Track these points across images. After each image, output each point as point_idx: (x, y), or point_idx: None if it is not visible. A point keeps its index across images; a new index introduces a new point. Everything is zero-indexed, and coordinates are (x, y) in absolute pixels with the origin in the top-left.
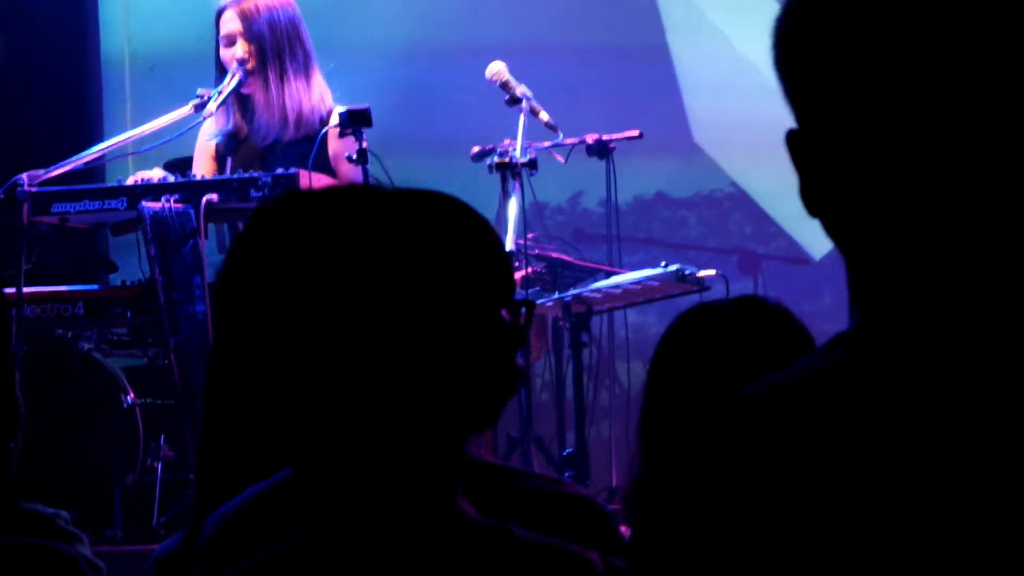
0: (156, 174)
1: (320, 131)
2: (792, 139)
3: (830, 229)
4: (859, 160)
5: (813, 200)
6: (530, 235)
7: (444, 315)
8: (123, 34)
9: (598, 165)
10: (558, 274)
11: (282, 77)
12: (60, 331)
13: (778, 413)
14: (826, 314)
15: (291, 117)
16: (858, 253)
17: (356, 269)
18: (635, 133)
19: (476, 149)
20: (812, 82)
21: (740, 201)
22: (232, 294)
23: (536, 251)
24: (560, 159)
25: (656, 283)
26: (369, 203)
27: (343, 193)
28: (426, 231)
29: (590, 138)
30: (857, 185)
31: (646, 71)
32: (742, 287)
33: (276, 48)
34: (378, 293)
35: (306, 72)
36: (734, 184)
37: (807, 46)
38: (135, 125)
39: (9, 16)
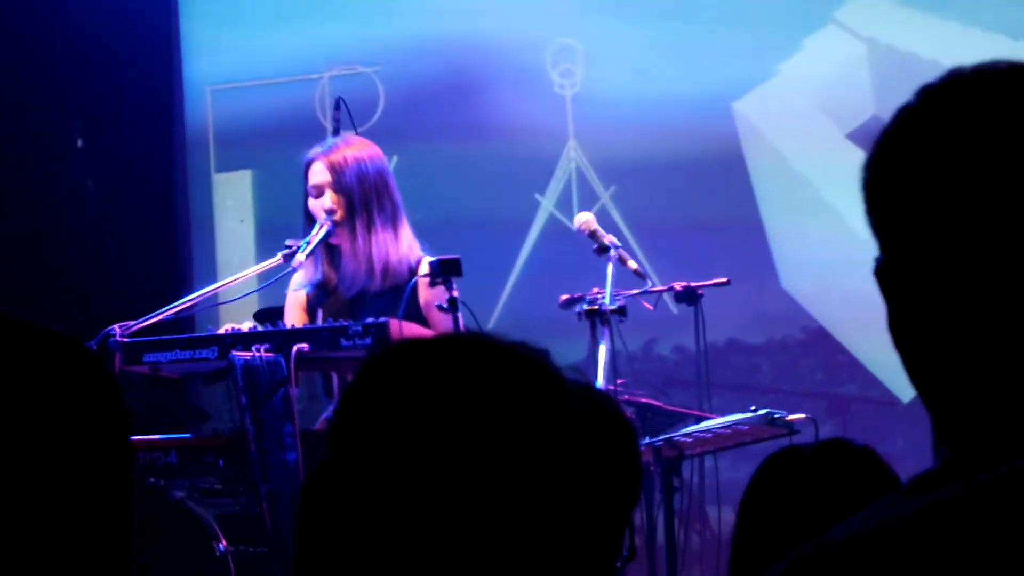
0: (246, 325)
1: (408, 280)
2: (880, 270)
3: (914, 362)
4: (948, 293)
5: (901, 332)
6: (619, 381)
7: (565, 511)
8: (212, 182)
9: (666, 312)
10: (648, 419)
11: (370, 228)
12: (152, 479)
13: (867, 562)
14: (913, 456)
15: (378, 268)
16: (945, 389)
17: (475, 430)
18: (723, 280)
19: (564, 297)
20: (901, 215)
21: (821, 345)
22: (343, 442)
23: (626, 396)
24: (648, 306)
25: (746, 427)
26: (490, 357)
27: (459, 343)
28: (562, 405)
29: (678, 285)
30: (947, 318)
31: (732, 216)
32: (830, 430)
33: (364, 199)
34: (501, 462)
35: (394, 223)
36: (816, 328)
37: (898, 180)
38: (224, 275)
39: (99, 163)
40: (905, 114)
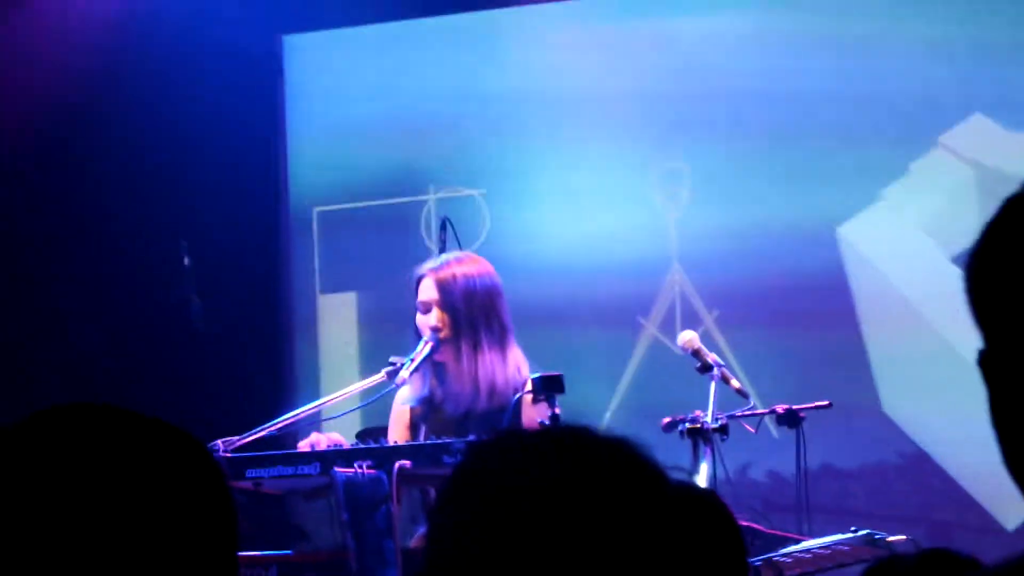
0: (333, 436)
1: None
2: (984, 359)
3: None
4: None
5: (1003, 419)
6: None
7: None
8: (317, 302)
9: (761, 437)
10: (748, 542)
11: (476, 348)
12: None
13: None
14: None
15: (483, 388)
16: None
17: (576, 525)
18: (825, 403)
19: (667, 420)
20: (1005, 304)
21: (918, 470)
22: (439, 538)
23: None
24: (750, 429)
25: (846, 547)
26: (593, 450)
27: (560, 436)
28: (666, 501)
29: (780, 408)
30: None
31: (834, 339)
32: None
33: (470, 319)
34: (604, 557)
35: (501, 344)
36: (912, 453)
37: (1002, 270)
38: (328, 393)
39: (206, 281)
40: (1010, 205)
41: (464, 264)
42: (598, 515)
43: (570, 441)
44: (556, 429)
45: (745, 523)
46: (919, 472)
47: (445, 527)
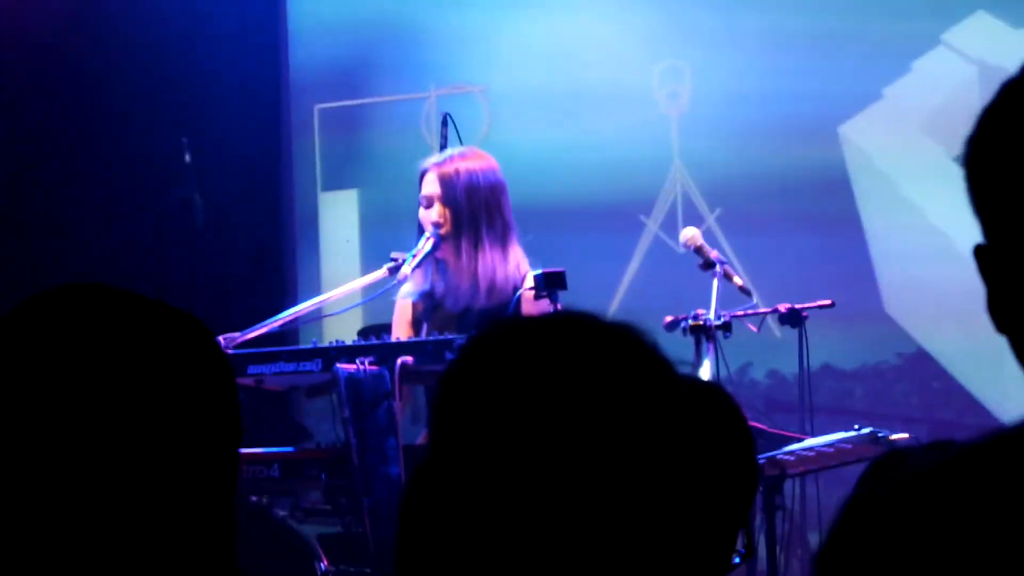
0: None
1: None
2: (981, 253)
3: (1018, 343)
4: None
5: (1002, 315)
6: None
7: (678, 500)
8: (319, 200)
9: (762, 336)
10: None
11: (476, 245)
12: (255, 498)
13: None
14: None
15: (483, 286)
16: None
17: (582, 412)
18: (827, 302)
19: (669, 319)
20: (1004, 196)
21: (917, 371)
22: (443, 427)
23: None
24: (753, 328)
25: (849, 446)
26: (597, 335)
27: (564, 322)
28: (672, 387)
29: (782, 307)
30: None
31: (836, 239)
32: None
33: (472, 215)
34: (611, 445)
35: (503, 242)
36: (912, 354)
37: (999, 162)
38: (329, 289)
39: (207, 178)
40: (1008, 90)
41: (468, 159)
42: (606, 399)
43: (575, 326)
44: (560, 315)
45: (750, 423)
46: (920, 372)
47: (449, 415)
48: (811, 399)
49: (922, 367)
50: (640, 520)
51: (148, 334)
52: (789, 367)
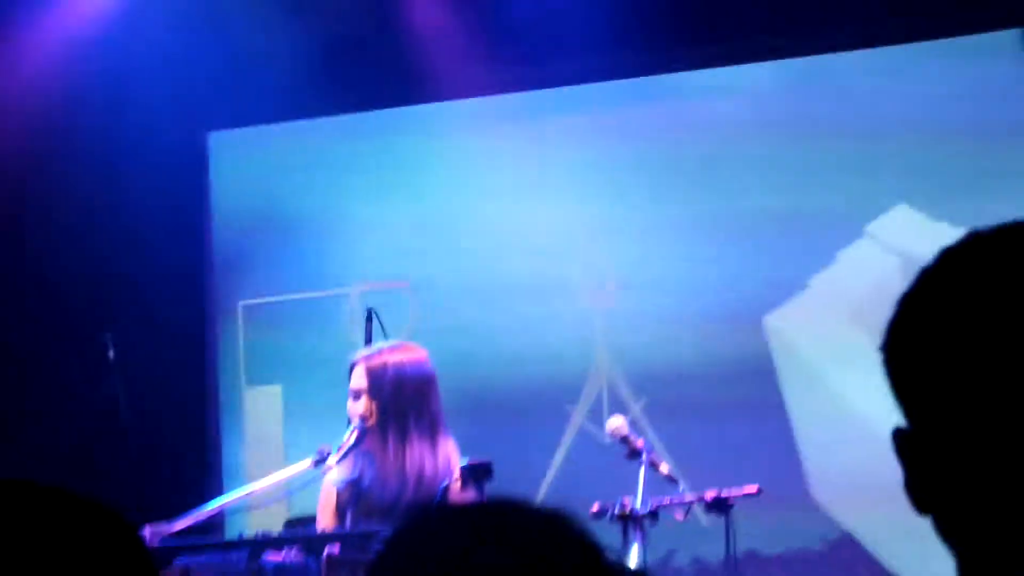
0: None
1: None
2: (900, 437)
3: (940, 523)
4: (971, 458)
5: (922, 496)
6: None
7: None
8: (243, 395)
9: (685, 524)
10: None
11: (404, 439)
12: None
13: None
14: None
15: (411, 478)
16: (971, 544)
17: None
18: (753, 489)
19: (596, 507)
20: (923, 386)
21: (840, 556)
22: None
23: None
24: (679, 517)
25: None
26: (523, 521)
27: (488, 511)
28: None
29: (709, 495)
30: (968, 481)
31: (763, 428)
32: None
33: (399, 409)
34: None
35: (431, 433)
36: (837, 538)
37: (917, 347)
38: (253, 479)
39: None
40: (925, 277)
41: (397, 352)
42: None
43: (503, 514)
44: (488, 503)
45: None
46: (845, 557)
47: None
48: None
49: (847, 552)
50: None
51: (69, 531)
52: (713, 554)
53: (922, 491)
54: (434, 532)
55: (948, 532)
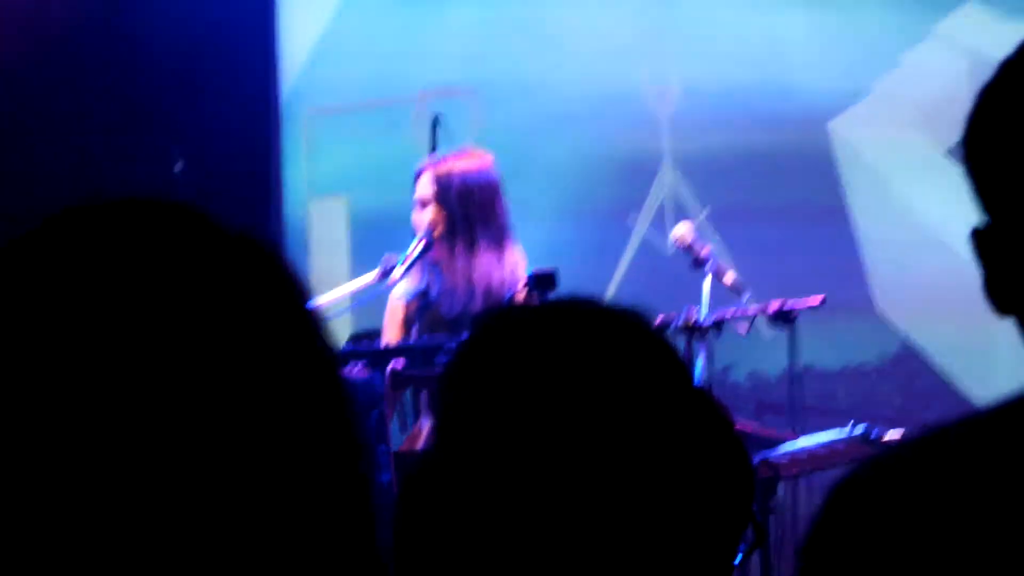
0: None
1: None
2: (979, 236)
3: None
4: None
5: (1003, 296)
6: None
7: (683, 491)
8: (308, 205)
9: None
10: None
11: (472, 248)
12: None
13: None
14: None
15: (479, 289)
16: None
17: (590, 403)
18: (817, 301)
19: (659, 319)
20: (1005, 174)
21: (901, 370)
22: (446, 417)
23: None
24: (742, 332)
25: (842, 446)
26: (601, 322)
27: (567, 310)
28: (678, 375)
29: (772, 307)
30: None
31: (827, 233)
32: None
33: (467, 217)
34: (620, 435)
35: (498, 243)
36: (895, 354)
37: (999, 140)
38: (318, 292)
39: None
40: (1007, 68)
41: (463, 159)
42: (615, 389)
43: (577, 310)
44: (561, 301)
45: (739, 426)
46: (910, 372)
47: (453, 409)
48: (802, 399)
49: (913, 366)
50: (646, 518)
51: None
52: (771, 367)
53: (1004, 290)
54: (510, 334)
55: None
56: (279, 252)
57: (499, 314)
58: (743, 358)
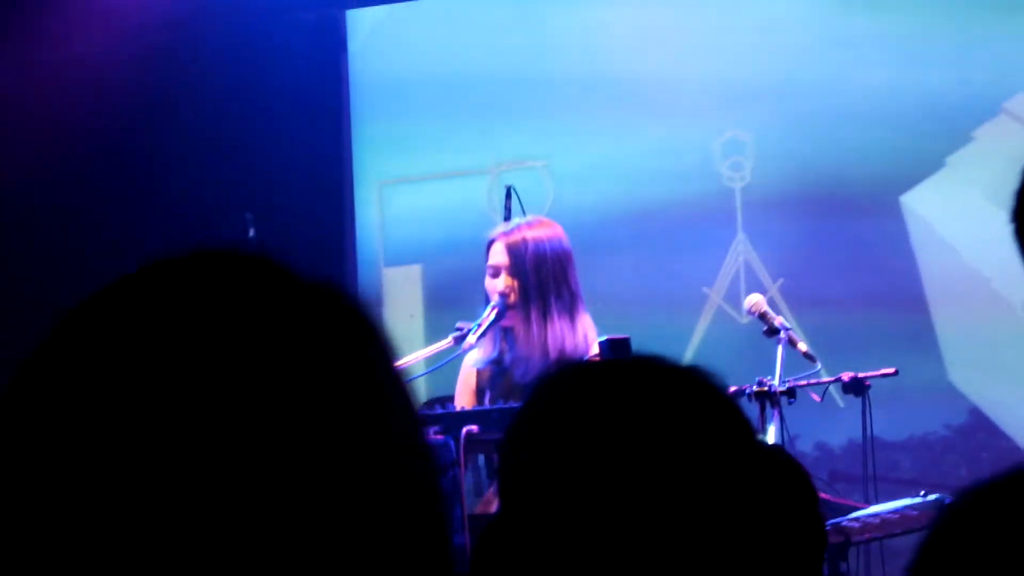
0: None
1: None
2: None
3: None
4: None
5: None
6: None
7: (750, 553)
8: (382, 276)
9: (814, 406)
10: None
11: (545, 315)
12: None
13: None
14: None
15: (553, 355)
16: None
17: (653, 458)
18: (891, 370)
19: (733, 389)
20: None
21: (965, 442)
22: (511, 477)
23: None
24: (816, 397)
25: (915, 512)
26: (665, 379)
27: (630, 367)
28: (743, 435)
29: (846, 376)
30: None
31: (900, 310)
32: None
33: (540, 286)
34: (683, 489)
35: (571, 311)
36: (961, 425)
37: None
38: None
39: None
40: None
41: (535, 228)
42: (682, 448)
43: (642, 367)
44: (626, 359)
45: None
46: (978, 443)
47: (518, 467)
48: (873, 469)
49: (986, 438)
50: (714, 558)
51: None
52: (838, 437)
53: None
54: (576, 388)
55: None
56: (364, 303)
57: (560, 372)
58: (809, 429)
